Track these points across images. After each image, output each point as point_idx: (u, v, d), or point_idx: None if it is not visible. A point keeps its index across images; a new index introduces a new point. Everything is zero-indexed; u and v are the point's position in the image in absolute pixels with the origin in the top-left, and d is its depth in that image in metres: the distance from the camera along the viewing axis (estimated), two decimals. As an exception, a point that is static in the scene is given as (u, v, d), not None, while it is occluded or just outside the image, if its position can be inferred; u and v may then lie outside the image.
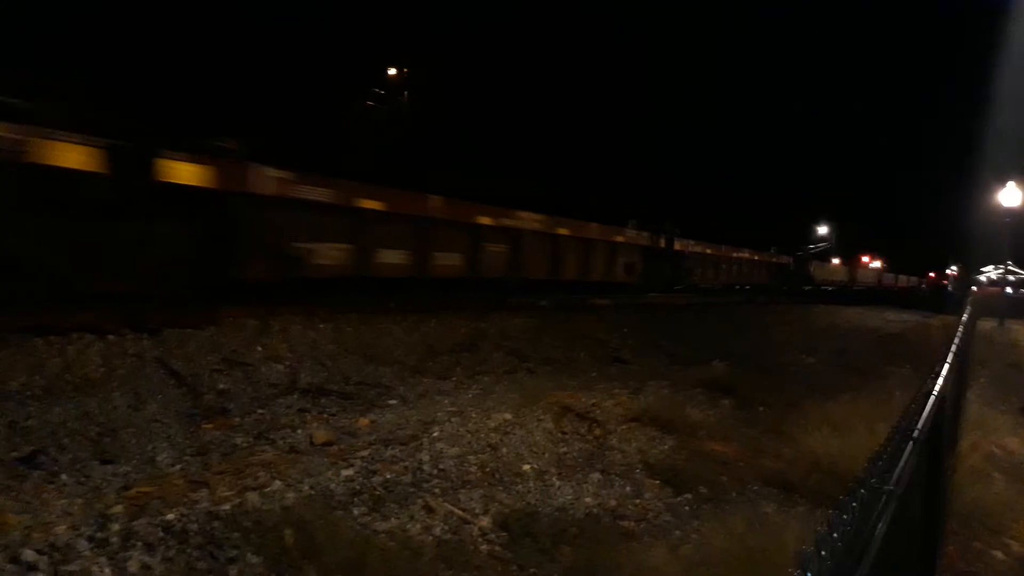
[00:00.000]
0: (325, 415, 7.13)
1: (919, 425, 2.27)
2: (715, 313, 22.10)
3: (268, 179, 14.82)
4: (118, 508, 4.48)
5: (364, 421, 6.93)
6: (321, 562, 3.99)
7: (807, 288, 52.32)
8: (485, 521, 4.84)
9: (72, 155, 11.05)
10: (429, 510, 4.93)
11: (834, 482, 5.54)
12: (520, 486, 5.55)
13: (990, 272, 67.00)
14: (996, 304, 30.15)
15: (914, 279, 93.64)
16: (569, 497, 5.44)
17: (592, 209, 28.32)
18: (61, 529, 4.15)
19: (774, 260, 53.53)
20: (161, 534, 4.19)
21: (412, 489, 5.26)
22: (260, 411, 7.06)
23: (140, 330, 9.04)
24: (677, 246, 35.04)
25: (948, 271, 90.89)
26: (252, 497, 4.80)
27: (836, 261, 74.25)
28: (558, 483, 5.69)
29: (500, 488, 5.46)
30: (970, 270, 77.25)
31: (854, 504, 1.31)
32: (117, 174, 11.50)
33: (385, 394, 8.22)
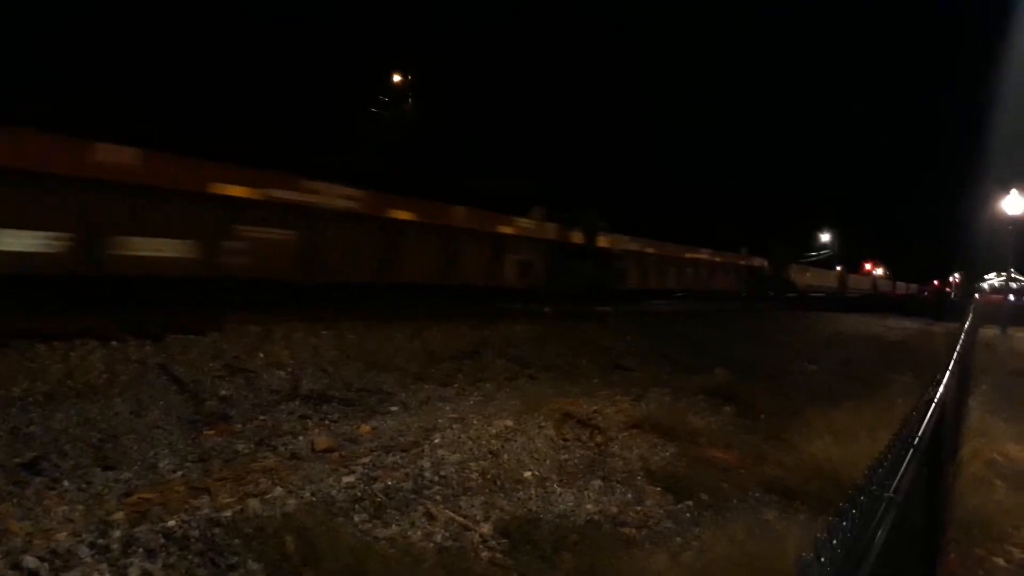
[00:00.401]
0: (327, 422, 7.14)
1: (920, 433, 2.28)
2: (716, 321, 22.09)
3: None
4: (119, 515, 4.48)
5: (365, 428, 6.93)
6: (322, 569, 3.99)
7: (789, 295, 46.96)
8: (486, 528, 4.84)
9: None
10: (430, 517, 4.93)
11: (836, 489, 5.53)
12: (521, 493, 5.55)
13: (993, 280, 66.71)
14: (998, 311, 30.10)
15: (914, 286, 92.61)
16: (570, 504, 5.44)
17: (471, 191, 22.19)
18: (62, 536, 4.15)
19: (743, 262, 47.69)
20: (162, 541, 4.19)
21: (413, 496, 5.26)
22: (262, 417, 7.06)
23: (143, 336, 9.05)
24: (603, 242, 29.14)
25: (951, 278, 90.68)
26: (253, 504, 4.80)
27: (838, 268, 74.04)
28: (559, 490, 5.69)
29: (501, 495, 5.46)
30: (973, 277, 76.91)
31: (854, 511, 1.32)
32: None
33: (387, 401, 8.23)
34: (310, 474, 5.48)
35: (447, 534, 4.72)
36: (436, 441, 6.48)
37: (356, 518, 4.81)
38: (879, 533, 1.42)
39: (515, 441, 6.69)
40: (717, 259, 43.48)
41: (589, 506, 5.43)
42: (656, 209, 38.69)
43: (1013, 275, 45.93)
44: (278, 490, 5.09)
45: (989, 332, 24.00)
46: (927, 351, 17.26)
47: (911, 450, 1.98)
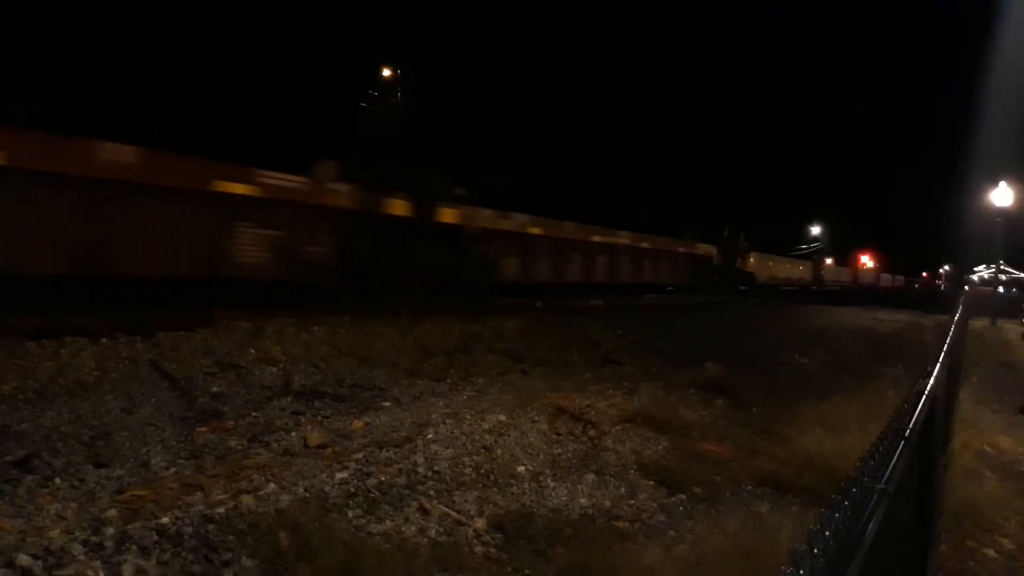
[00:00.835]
0: (319, 417, 7.13)
1: (911, 425, 2.29)
2: (709, 314, 22.14)
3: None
4: (112, 512, 4.47)
5: (358, 423, 6.93)
6: (316, 565, 3.99)
7: (742, 288, 41.52)
8: (480, 523, 4.85)
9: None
10: (424, 512, 4.93)
11: (827, 482, 5.56)
12: (515, 487, 5.56)
13: (982, 272, 66.81)
14: (988, 303, 30.28)
15: (900, 278, 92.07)
16: (564, 498, 5.45)
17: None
18: (55, 533, 4.14)
19: (683, 250, 40.79)
20: (155, 538, 4.18)
21: (407, 491, 5.26)
22: (254, 414, 7.05)
23: (133, 333, 9.04)
24: (449, 217, 21.54)
25: (941, 271, 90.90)
26: (247, 500, 4.79)
27: (829, 261, 73.80)
28: (553, 484, 5.70)
29: (495, 489, 5.47)
30: (963, 270, 77.05)
31: (846, 503, 1.33)
32: None
33: (379, 396, 8.23)
34: (303, 470, 5.47)
35: (441, 529, 4.73)
36: (429, 436, 6.48)
37: (350, 513, 4.81)
38: (871, 525, 1.43)
39: (508, 436, 6.70)
40: (645, 245, 36.28)
41: (583, 500, 5.44)
42: (552, 181, 34.02)
43: (1002, 267, 46.19)
44: (271, 486, 5.08)
45: (979, 324, 24.15)
46: (917, 343, 17.35)
47: (902, 442, 1.99)
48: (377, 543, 4.43)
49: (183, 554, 4.04)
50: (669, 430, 7.41)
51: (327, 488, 5.16)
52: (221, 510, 4.60)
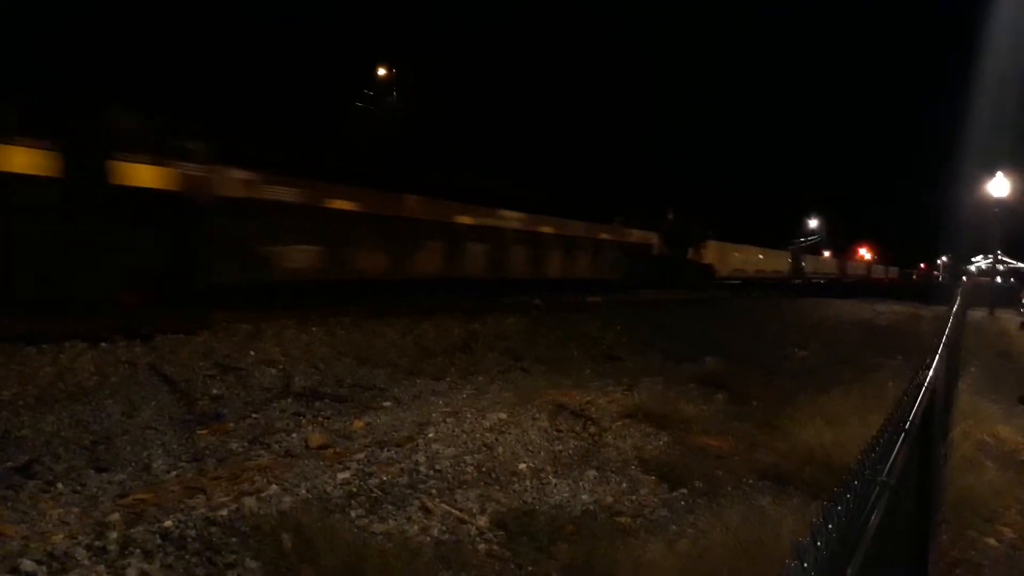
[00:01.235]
0: (320, 418, 7.14)
1: (911, 417, 2.30)
2: (707, 308, 22.16)
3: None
4: (115, 516, 4.48)
5: (359, 423, 6.93)
6: (319, 565, 4.00)
7: (693, 285, 34.72)
8: (482, 520, 4.86)
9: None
10: (426, 511, 4.94)
11: (828, 474, 5.57)
12: (517, 485, 5.57)
13: (980, 262, 66.59)
14: (986, 294, 30.33)
15: (894, 270, 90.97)
16: (565, 495, 5.46)
17: None
18: (59, 538, 4.15)
19: (607, 237, 33.07)
20: (159, 541, 4.18)
21: (409, 490, 5.27)
22: (254, 416, 7.06)
23: (132, 337, 9.04)
24: (163, 180, 13.99)
25: (939, 261, 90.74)
26: (249, 502, 4.80)
27: (826, 254, 73.10)
28: (554, 481, 5.71)
29: (497, 487, 5.48)
30: (960, 261, 76.87)
31: (848, 496, 1.33)
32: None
33: (379, 396, 8.23)
34: (305, 471, 5.48)
35: (444, 527, 4.73)
36: (430, 435, 6.49)
37: (352, 514, 4.81)
38: (873, 517, 1.44)
39: (509, 433, 6.71)
40: (546, 230, 28.47)
41: (584, 496, 5.45)
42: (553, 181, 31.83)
43: (1000, 257, 46.25)
44: (273, 488, 5.09)
45: (977, 314, 24.18)
46: (916, 334, 17.38)
47: (903, 434, 2.00)
48: (380, 543, 4.43)
49: (187, 557, 4.05)
50: (669, 425, 7.42)
51: (329, 489, 5.17)
52: (224, 512, 4.60)
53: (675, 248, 38.95)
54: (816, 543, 1.11)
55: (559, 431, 7.00)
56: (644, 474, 6.04)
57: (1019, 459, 7.18)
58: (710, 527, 4.87)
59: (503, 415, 7.18)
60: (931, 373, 3.32)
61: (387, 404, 7.88)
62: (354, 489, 5.20)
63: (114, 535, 4.20)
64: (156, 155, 14.14)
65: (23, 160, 12.00)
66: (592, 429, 7.16)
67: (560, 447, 6.58)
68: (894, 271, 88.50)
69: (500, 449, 6.30)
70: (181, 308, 12.00)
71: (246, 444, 6.20)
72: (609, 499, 5.45)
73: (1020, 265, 59.44)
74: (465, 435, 6.56)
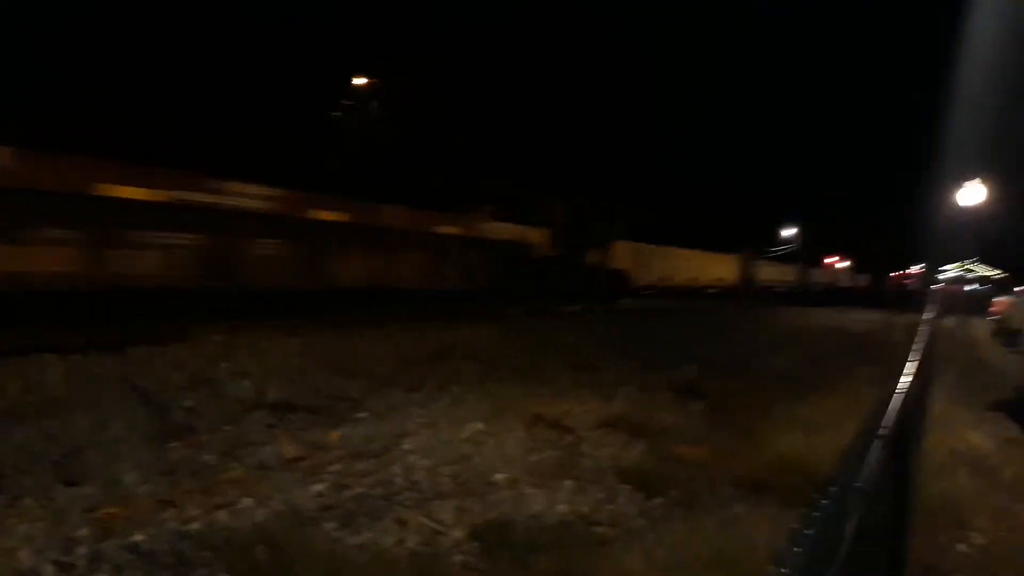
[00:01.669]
0: (294, 430, 7.06)
1: (885, 424, 2.31)
2: (684, 317, 22.25)
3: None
4: (84, 531, 4.40)
5: (334, 435, 6.87)
6: (294, 579, 3.94)
7: (597, 294, 28.00)
8: (459, 532, 4.82)
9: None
10: (402, 523, 4.90)
11: (804, 482, 5.59)
12: (493, 496, 5.53)
13: (952, 270, 67.24)
14: (958, 301, 30.75)
15: (865, 277, 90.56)
16: (542, 505, 5.43)
17: None
18: (24, 554, 4.06)
19: (456, 231, 26.31)
20: (129, 556, 4.12)
21: (384, 502, 5.23)
22: (228, 428, 6.97)
23: (104, 349, 8.91)
24: None
25: (911, 270, 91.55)
26: (222, 515, 4.74)
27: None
28: (531, 491, 5.68)
29: (473, 498, 5.44)
30: (932, 268, 77.58)
31: (825, 501, 1.33)
32: None
33: (355, 407, 8.16)
34: (279, 483, 5.42)
35: (420, 539, 4.69)
36: (406, 447, 6.45)
37: (327, 526, 4.76)
38: (849, 522, 1.44)
39: (486, 444, 6.68)
40: (329, 216, 21.82)
41: (561, 507, 5.42)
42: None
43: (970, 265, 46.97)
44: (247, 501, 5.03)
45: (949, 322, 24.49)
46: (890, 342, 17.55)
47: (878, 441, 2.00)
48: (355, 555, 4.39)
49: (157, 572, 3.99)
50: (646, 434, 7.42)
51: (303, 501, 5.12)
52: (196, 526, 4.55)
53: (570, 249, 31.24)
54: (796, 548, 1.11)
55: (536, 441, 6.98)
56: (621, 483, 6.02)
57: (990, 466, 7.25)
58: (687, 536, 4.87)
59: (480, 425, 7.18)
60: (905, 380, 3.35)
61: (363, 415, 7.82)
62: (329, 501, 5.16)
63: (83, 550, 4.13)
64: None
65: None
66: (569, 439, 7.15)
67: (537, 457, 6.55)
68: (866, 278, 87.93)
69: (477, 460, 6.28)
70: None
71: (219, 457, 6.12)
72: (586, 509, 5.43)
73: (991, 273, 60.23)
74: (441, 446, 6.56)
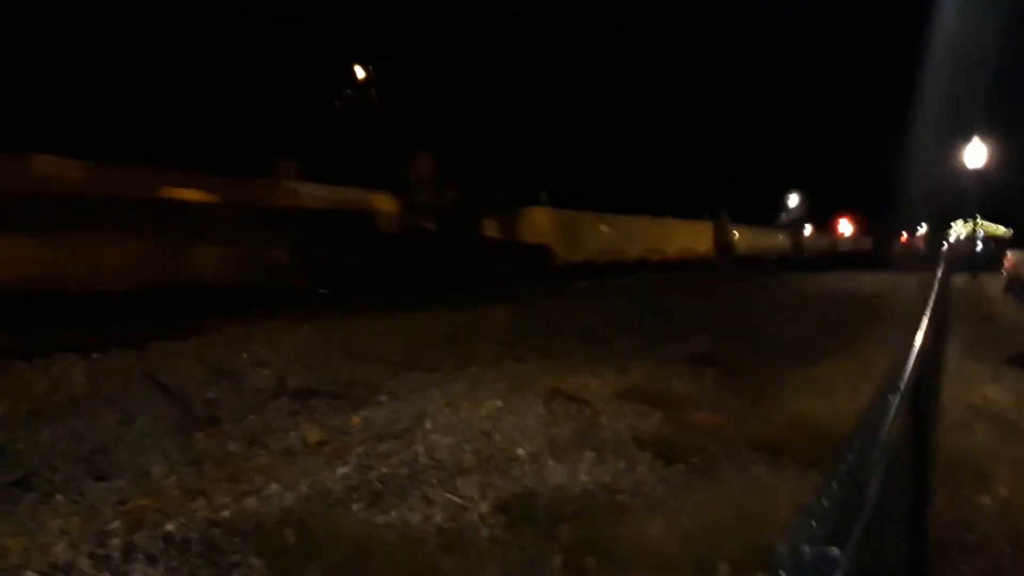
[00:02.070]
0: (316, 416, 7.14)
1: (904, 380, 2.33)
2: (694, 285, 22.22)
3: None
4: (116, 523, 4.48)
5: (356, 419, 6.94)
6: (323, 560, 4.02)
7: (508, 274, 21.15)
8: (484, 507, 4.89)
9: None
10: (428, 500, 4.97)
11: (821, 443, 5.62)
12: (516, 470, 5.60)
13: (959, 228, 66.34)
14: (968, 260, 30.58)
15: (866, 240, 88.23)
16: (564, 477, 5.49)
17: None
18: (60, 548, 4.15)
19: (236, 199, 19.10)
20: (162, 545, 4.20)
21: (409, 481, 5.29)
22: (251, 417, 7.05)
23: (124, 346, 8.99)
24: None
25: (918, 228, 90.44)
26: (250, 502, 4.81)
27: (809, 228, 71.71)
28: (552, 464, 5.74)
29: (496, 473, 5.50)
30: (939, 226, 76.57)
31: (850, 456, 1.36)
32: None
33: (375, 391, 8.23)
34: (304, 468, 5.49)
35: (446, 515, 4.76)
36: (428, 426, 6.51)
37: (354, 507, 4.83)
38: (874, 477, 1.47)
39: (505, 420, 6.74)
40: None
41: (583, 477, 5.48)
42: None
43: (980, 222, 46.56)
44: (274, 486, 5.10)
45: (960, 280, 24.39)
46: (901, 302, 17.50)
47: (898, 395, 2.03)
48: (383, 534, 4.46)
49: (190, 559, 4.06)
50: (662, 403, 7.47)
51: (329, 484, 5.19)
52: (225, 513, 4.62)
53: (463, 218, 23.46)
54: (823, 502, 1.14)
55: (554, 415, 7.04)
56: (640, 452, 6.08)
57: (1008, 419, 7.27)
58: (708, 501, 4.92)
59: (499, 402, 7.24)
60: (920, 337, 3.36)
61: (383, 398, 7.88)
62: (354, 483, 5.23)
63: (116, 542, 4.21)
64: None
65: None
66: (587, 411, 7.20)
67: (556, 430, 6.61)
68: (867, 242, 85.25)
69: (497, 436, 6.34)
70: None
71: (244, 445, 6.21)
72: (607, 479, 5.48)
73: (1000, 230, 59.71)
74: (462, 424, 6.61)
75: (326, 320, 12.27)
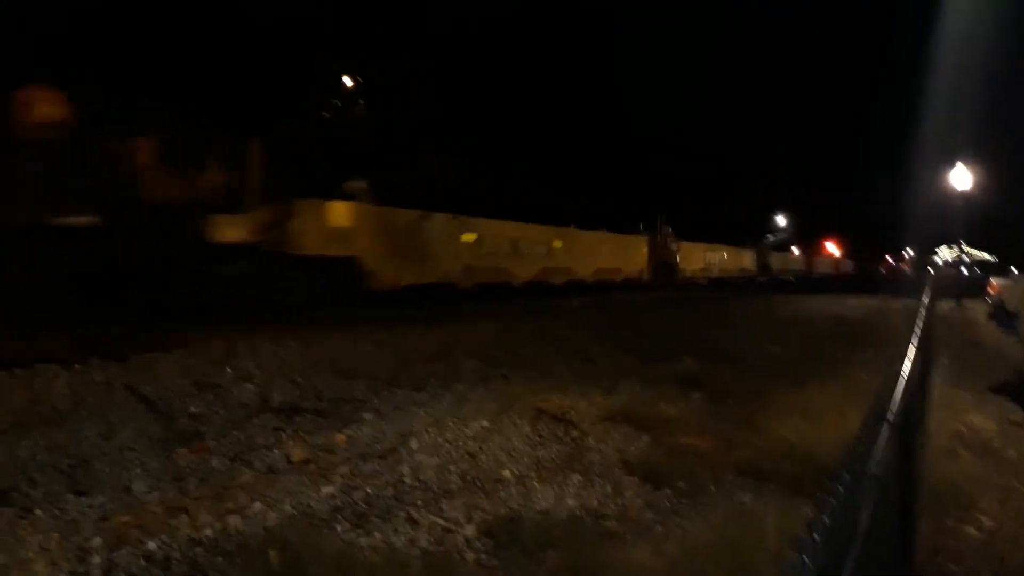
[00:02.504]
0: (301, 433, 7.08)
1: (892, 408, 2.34)
2: (680, 307, 22.28)
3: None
4: (97, 540, 4.43)
5: (341, 437, 6.89)
6: (308, 581, 3.98)
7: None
8: (469, 529, 4.86)
9: None
10: (412, 522, 4.93)
11: (807, 468, 5.64)
12: (502, 492, 5.57)
13: (944, 253, 66.81)
14: (953, 285, 30.80)
15: (848, 264, 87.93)
16: (551, 500, 5.47)
17: None
18: (40, 566, 4.10)
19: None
20: (143, 564, 4.15)
21: (394, 502, 5.26)
22: (235, 433, 6.98)
23: (106, 357, 8.92)
24: None
25: (903, 253, 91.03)
26: (233, 520, 4.77)
27: (795, 251, 71.99)
28: (539, 487, 5.72)
29: (482, 495, 5.48)
30: (925, 252, 77.00)
31: (840, 488, 1.36)
32: None
33: (360, 408, 8.17)
34: (288, 487, 5.45)
35: (431, 538, 4.73)
36: (413, 446, 6.48)
37: (338, 528, 4.80)
38: (863, 510, 1.48)
39: (492, 441, 6.71)
40: None
41: (570, 501, 5.47)
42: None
43: (964, 248, 46.99)
44: (257, 505, 5.06)
45: (945, 306, 24.56)
46: (887, 327, 17.61)
47: (885, 425, 2.04)
48: (367, 556, 4.42)
49: (172, 579, 4.02)
50: (649, 426, 7.46)
51: (313, 503, 5.15)
52: (208, 532, 4.58)
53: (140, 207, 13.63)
54: (814, 537, 1.14)
55: (541, 436, 7.01)
56: (627, 476, 6.07)
57: (993, 447, 7.32)
58: (695, 527, 4.92)
59: (485, 423, 7.18)
60: (907, 364, 3.39)
61: (368, 416, 7.78)
62: (339, 503, 5.19)
63: (97, 560, 4.16)
64: None
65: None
66: (574, 433, 7.18)
67: (543, 452, 6.59)
68: (848, 265, 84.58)
69: (484, 457, 6.31)
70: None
71: (227, 462, 6.13)
72: (594, 503, 5.47)
73: (985, 257, 60.21)
74: (448, 444, 6.55)
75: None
